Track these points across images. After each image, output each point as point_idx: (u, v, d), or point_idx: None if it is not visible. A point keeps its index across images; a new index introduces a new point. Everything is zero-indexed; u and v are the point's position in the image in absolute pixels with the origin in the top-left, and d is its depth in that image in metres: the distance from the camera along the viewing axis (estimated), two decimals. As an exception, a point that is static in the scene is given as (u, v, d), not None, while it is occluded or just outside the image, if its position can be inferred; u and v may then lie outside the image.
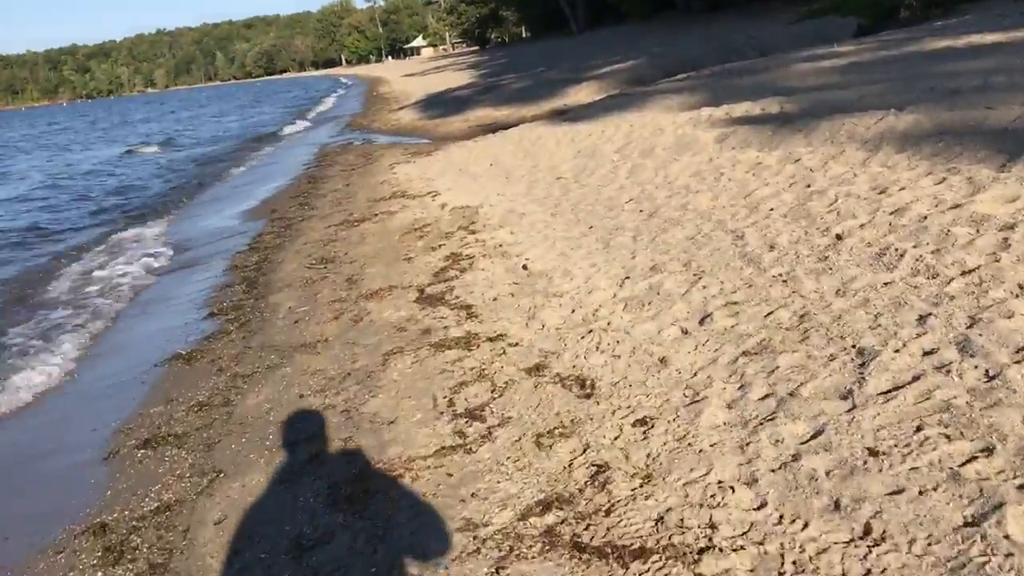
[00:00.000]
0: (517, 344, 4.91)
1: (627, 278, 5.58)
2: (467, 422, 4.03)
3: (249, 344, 6.08)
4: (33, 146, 41.81)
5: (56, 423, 5.49)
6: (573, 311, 5.26)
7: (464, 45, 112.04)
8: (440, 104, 27.20)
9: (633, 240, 6.46)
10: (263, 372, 5.39)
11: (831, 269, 4.81)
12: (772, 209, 6.38)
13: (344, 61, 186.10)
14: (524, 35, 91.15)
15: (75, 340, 7.27)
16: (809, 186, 6.70)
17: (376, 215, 9.95)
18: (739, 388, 3.78)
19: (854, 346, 3.83)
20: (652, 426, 3.65)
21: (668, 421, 3.65)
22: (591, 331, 4.84)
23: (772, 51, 21.90)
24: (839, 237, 5.30)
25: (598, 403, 3.98)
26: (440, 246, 7.70)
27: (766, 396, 3.64)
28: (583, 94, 22.17)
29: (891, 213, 5.34)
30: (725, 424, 3.52)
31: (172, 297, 8.25)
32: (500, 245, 7.27)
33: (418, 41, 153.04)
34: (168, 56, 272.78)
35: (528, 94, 24.06)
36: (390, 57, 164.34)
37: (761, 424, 3.42)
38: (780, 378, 3.74)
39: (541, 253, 6.70)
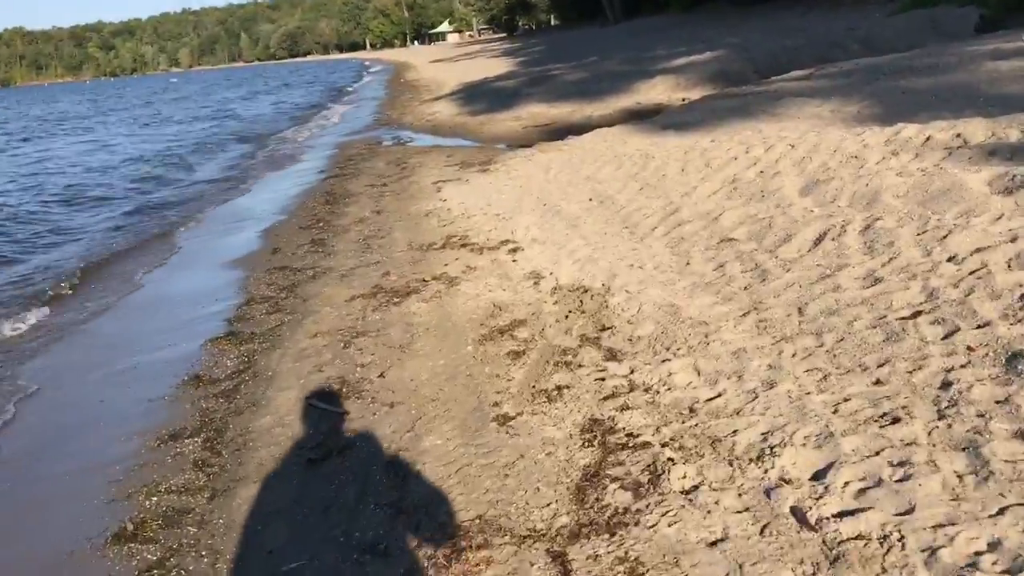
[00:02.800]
0: None
1: None
2: None
3: None
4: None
5: None
6: None
7: (491, 32, 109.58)
8: (481, 96, 23.54)
9: (1031, 450, 2.84)
10: None
11: None
12: None
13: (369, 45, 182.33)
14: (552, 23, 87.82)
15: None
16: None
17: (426, 283, 6.37)
18: None
19: None
20: None
21: None
22: None
23: (881, 46, 18.23)
24: None
25: None
26: (560, 390, 4.10)
27: None
28: (658, 91, 18.52)
29: None
30: None
31: (70, 454, 4.69)
32: (690, 410, 3.67)
33: (444, 27, 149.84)
34: (193, 36, 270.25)
35: (589, 89, 20.37)
36: (416, 42, 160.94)
37: None
38: None
39: (807, 458, 3.10)
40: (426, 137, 18.14)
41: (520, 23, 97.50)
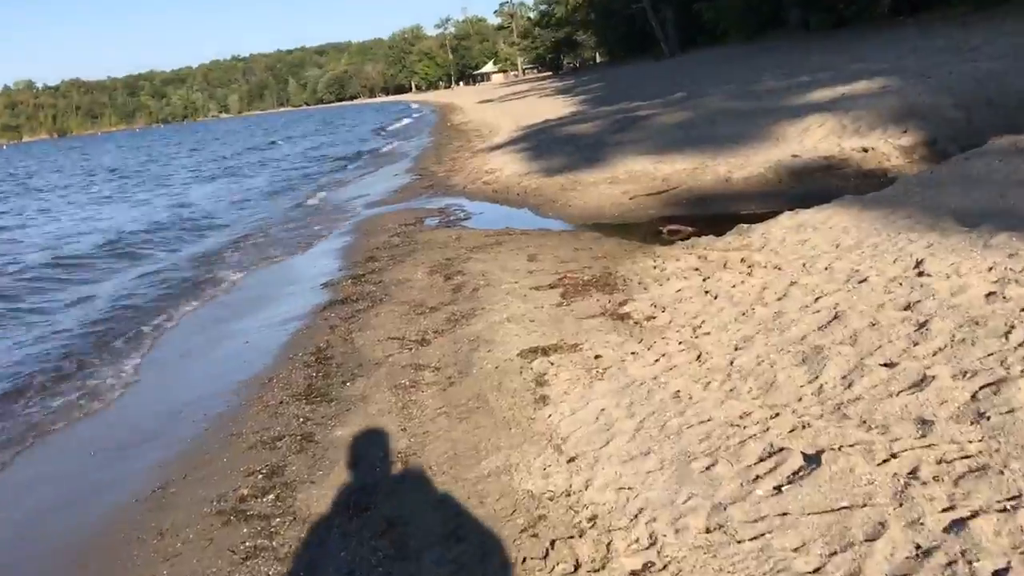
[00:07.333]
0: None
1: None
2: None
3: None
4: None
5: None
6: None
7: (535, 71, 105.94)
8: (553, 146, 17.98)
9: None
10: None
11: None
12: None
13: (414, 87, 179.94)
14: (597, 60, 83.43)
15: None
16: None
17: None
18: None
19: None
20: None
21: None
22: None
23: None
24: None
25: None
26: None
27: None
28: (816, 137, 12.71)
29: None
30: None
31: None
32: None
33: (488, 67, 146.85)
34: (242, 82, 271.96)
35: (703, 134, 14.67)
36: (460, 83, 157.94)
37: None
38: None
39: None
40: (487, 209, 12.67)
41: (565, 61, 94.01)
